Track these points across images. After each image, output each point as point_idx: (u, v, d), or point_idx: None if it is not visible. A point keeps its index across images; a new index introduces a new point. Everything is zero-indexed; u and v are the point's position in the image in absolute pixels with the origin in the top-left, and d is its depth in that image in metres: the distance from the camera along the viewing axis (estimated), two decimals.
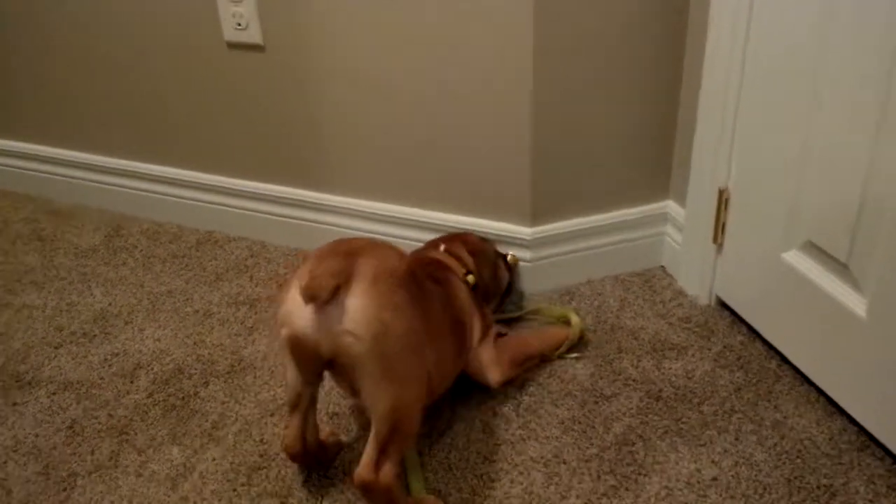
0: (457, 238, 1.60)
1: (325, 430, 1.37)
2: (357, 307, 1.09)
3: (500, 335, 1.53)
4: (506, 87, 1.59)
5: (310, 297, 1.08)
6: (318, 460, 1.33)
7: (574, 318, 1.59)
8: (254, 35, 1.79)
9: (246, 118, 1.94)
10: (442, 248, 1.55)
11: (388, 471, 1.13)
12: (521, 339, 1.56)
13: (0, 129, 2.38)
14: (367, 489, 1.14)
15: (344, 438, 1.40)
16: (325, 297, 1.08)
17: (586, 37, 1.55)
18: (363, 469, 1.13)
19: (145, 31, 1.94)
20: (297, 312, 1.12)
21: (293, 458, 1.28)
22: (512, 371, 1.48)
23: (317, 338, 1.11)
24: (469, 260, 1.54)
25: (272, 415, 1.46)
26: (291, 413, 1.24)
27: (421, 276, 1.28)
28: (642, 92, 1.65)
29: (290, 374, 1.21)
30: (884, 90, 1.15)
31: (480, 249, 1.59)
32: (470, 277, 1.50)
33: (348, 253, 1.14)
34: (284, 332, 1.15)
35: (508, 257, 1.71)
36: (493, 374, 1.44)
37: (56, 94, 2.20)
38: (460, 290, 1.44)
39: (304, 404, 1.24)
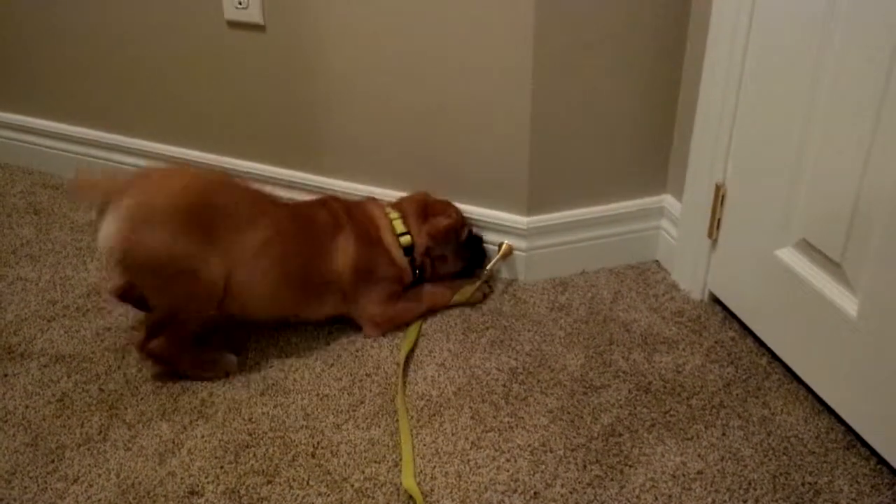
0: (415, 201, 1.71)
1: None
2: (108, 230, 1.38)
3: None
4: (506, 76, 1.59)
5: (73, 194, 1.55)
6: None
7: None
8: (254, 14, 1.78)
9: (246, 98, 1.93)
10: (388, 206, 1.70)
11: (157, 343, 1.46)
12: (410, 304, 1.66)
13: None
14: (148, 354, 1.48)
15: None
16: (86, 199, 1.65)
17: (587, 30, 1.55)
18: (140, 341, 1.48)
19: (147, 7, 1.93)
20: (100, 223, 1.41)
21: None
22: (388, 329, 1.63)
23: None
24: (413, 224, 1.66)
25: (262, 394, 1.47)
26: None
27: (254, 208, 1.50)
28: (642, 87, 1.65)
29: None
30: (880, 91, 1.15)
31: (438, 216, 1.69)
32: (404, 238, 1.65)
33: (137, 177, 1.46)
34: None
35: (503, 246, 1.73)
36: (369, 330, 1.62)
37: (57, 69, 2.19)
38: (342, 242, 1.57)
39: None
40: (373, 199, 1.72)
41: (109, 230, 1.37)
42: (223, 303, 1.46)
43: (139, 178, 1.47)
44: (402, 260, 1.65)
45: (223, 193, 1.48)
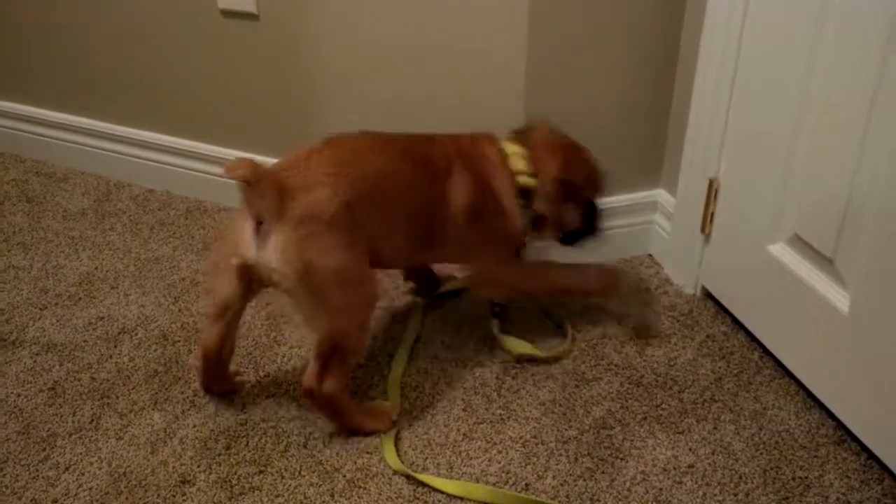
0: (560, 146, 1.46)
1: (231, 368, 1.45)
2: (280, 248, 1.19)
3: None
4: (500, 70, 1.59)
5: (229, 172, 1.14)
6: (219, 377, 1.42)
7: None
8: (248, 3, 1.77)
9: (239, 87, 1.93)
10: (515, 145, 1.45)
11: (330, 383, 1.26)
12: (526, 271, 1.53)
13: None
14: (311, 396, 1.27)
15: (247, 379, 1.49)
16: (238, 176, 1.14)
17: (582, 24, 1.55)
18: (308, 378, 1.26)
19: None
20: (244, 244, 1.22)
21: (206, 360, 1.37)
22: (493, 290, 1.53)
23: (259, 268, 1.22)
24: (544, 165, 1.42)
25: (254, 385, 1.47)
26: (217, 320, 1.34)
27: (390, 167, 1.33)
28: (637, 80, 1.64)
29: (226, 288, 1.30)
30: (872, 87, 1.15)
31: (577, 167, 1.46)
32: (525, 179, 1.41)
33: (284, 189, 1.20)
34: (234, 261, 1.25)
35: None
36: (474, 287, 1.54)
37: (50, 57, 2.18)
38: (455, 184, 1.37)
39: (230, 316, 1.33)
40: (487, 135, 1.46)
41: (282, 249, 1.18)
42: None
43: (294, 183, 1.22)
44: (514, 208, 1.42)
45: (369, 170, 1.30)
